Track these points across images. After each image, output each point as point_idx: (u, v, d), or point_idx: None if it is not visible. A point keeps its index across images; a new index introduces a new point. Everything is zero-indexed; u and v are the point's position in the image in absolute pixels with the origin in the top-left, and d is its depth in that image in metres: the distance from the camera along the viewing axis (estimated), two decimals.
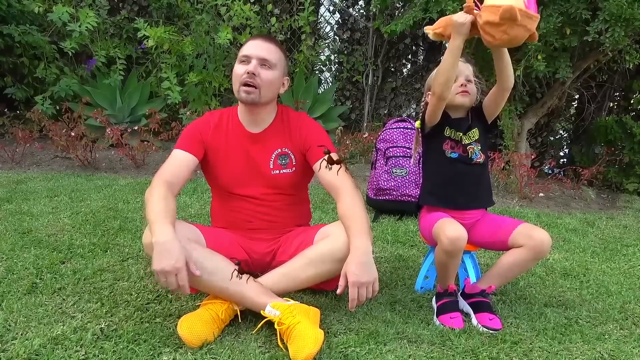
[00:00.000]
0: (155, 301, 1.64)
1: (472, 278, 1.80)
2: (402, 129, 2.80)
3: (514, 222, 1.66)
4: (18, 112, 4.34)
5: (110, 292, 1.69)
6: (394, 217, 2.79)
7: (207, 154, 1.68)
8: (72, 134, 3.62)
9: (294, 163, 1.71)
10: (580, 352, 1.47)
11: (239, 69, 1.62)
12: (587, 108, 4.46)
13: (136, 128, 3.98)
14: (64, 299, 1.62)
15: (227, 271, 1.48)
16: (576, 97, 4.75)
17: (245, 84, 1.60)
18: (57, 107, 4.10)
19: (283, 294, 1.57)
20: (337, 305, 1.69)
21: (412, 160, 2.76)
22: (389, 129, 2.84)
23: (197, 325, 1.39)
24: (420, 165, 2.77)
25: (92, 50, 4.25)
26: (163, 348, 1.37)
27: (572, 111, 5.03)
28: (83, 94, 4.14)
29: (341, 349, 1.41)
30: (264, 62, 1.60)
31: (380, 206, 2.83)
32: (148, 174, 3.58)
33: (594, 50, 3.56)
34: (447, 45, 1.56)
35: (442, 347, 1.45)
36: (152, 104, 4.33)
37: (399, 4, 4.60)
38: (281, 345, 1.37)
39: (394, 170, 2.76)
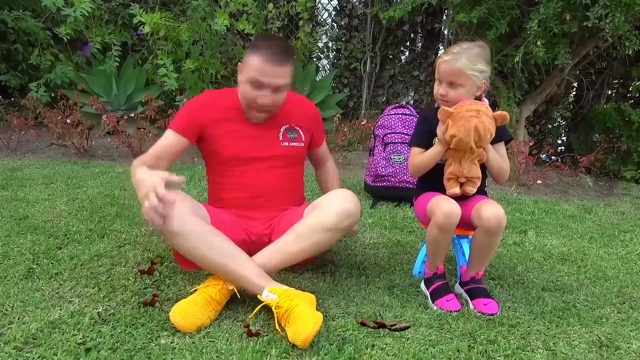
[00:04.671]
0: (153, 286, 1.64)
1: (460, 263, 1.80)
2: (400, 115, 2.79)
3: (474, 201, 1.62)
4: (13, 99, 4.31)
5: (108, 277, 1.68)
6: (392, 204, 2.78)
7: (206, 130, 1.72)
8: (68, 121, 3.59)
9: (304, 139, 1.79)
10: (578, 336, 1.47)
11: (250, 93, 1.62)
12: (586, 95, 4.44)
13: (132, 115, 3.95)
14: (60, 284, 1.61)
15: (226, 248, 1.49)
16: (575, 84, 4.74)
17: (260, 110, 1.66)
18: (52, 95, 4.06)
19: (278, 271, 1.59)
20: (335, 289, 1.69)
21: None
22: (387, 115, 2.82)
23: (190, 310, 1.38)
24: None
25: (87, 36, 4.20)
26: (161, 332, 1.36)
27: (571, 99, 5.02)
28: (78, 81, 4.11)
29: (339, 332, 1.41)
30: (278, 89, 1.62)
31: (379, 193, 2.82)
32: None
33: (593, 36, 3.54)
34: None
35: (440, 331, 1.45)
36: (148, 91, 4.29)
37: None
38: (279, 329, 1.37)
39: (392, 157, 2.75)
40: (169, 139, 1.70)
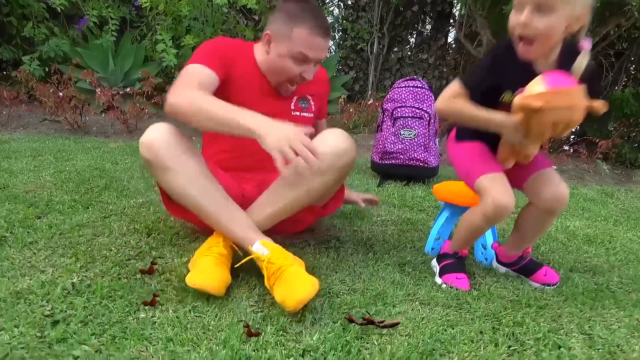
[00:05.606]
0: (137, 257, 1.47)
1: (489, 241, 1.63)
2: (411, 88, 2.60)
3: (533, 167, 1.41)
4: (5, 73, 4.15)
5: (88, 247, 1.51)
6: (401, 183, 2.60)
7: (228, 78, 1.45)
8: (61, 94, 3.42)
9: (313, 109, 1.67)
10: (616, 319, 1.30)
11: (292, 68, 1.45)
12: (605, 78, 4.24)
13: (129, 90, 3.78)
14: (34, 253, 1.44)
15: (218, 194, 1.35)
16: None
17: (295, 83, 1.53)
18: (46, 69, 3.90)
19: (272, 226, 1.42)
20: (340, 265, 1.52)
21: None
22: (398, 87, 2.64)
23: (208, 272, 1.24)
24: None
25: (83, 10, 4.03)
26: (141, 305, 1.19)
27: None
28: (74, 55, 3.94)
29: (345, 309, 1.24)
30: (318, 62, 1.50)
31: (386, 171, 2.64)
32: None
33: (614, 14, 3.35)
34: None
35: (460, 310, 1.28)
36: (146, 67, 4.12)
37: None
38: (267, 286, 1.21)
39: (402, 132, 2.57)
40: (204, 73, 1.36)
